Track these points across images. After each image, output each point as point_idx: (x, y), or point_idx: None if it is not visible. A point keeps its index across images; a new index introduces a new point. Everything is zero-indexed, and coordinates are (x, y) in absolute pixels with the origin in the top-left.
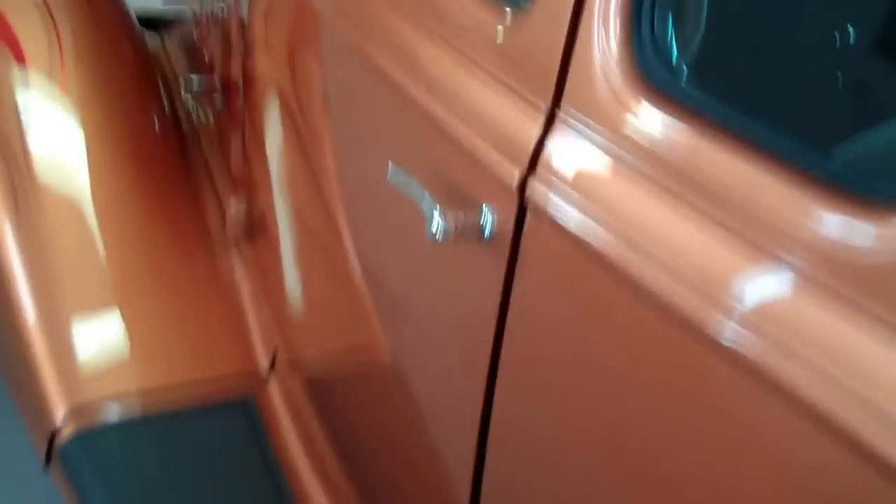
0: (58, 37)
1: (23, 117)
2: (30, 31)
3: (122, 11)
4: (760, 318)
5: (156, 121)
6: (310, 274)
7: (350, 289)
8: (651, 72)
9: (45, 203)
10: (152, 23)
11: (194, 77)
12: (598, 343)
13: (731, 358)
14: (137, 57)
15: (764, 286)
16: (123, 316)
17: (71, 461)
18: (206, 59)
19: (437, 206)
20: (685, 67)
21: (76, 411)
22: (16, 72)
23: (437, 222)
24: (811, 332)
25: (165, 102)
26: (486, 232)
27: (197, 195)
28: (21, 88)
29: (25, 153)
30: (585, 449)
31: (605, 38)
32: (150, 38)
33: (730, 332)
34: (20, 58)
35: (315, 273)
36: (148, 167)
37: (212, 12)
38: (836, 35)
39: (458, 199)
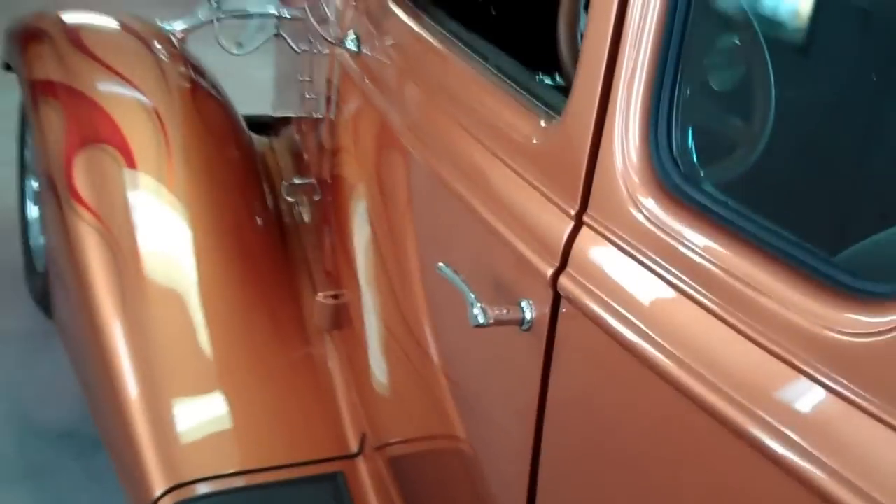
0: (166, 141)
1: (131, 214)
2: (139, 135)
3: (230, 117)
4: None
5: (258, 217)
6: (389, 364)
7: (425, 378)
8: (666, 179)
9: (150, 292)
10: (263, 126)
11: (295, 177)
12: (627, 427)
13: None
14: (243, 158)
15: (764, 377)
16: (222, 399)
17: None
18: (305, 160)
19: (475, 299)
20: (699, 176)
21: (174, 488)
22: (125, 173)
23: (475, 314)
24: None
25: (269, 200)
26: (525, 322)
27: (295, 286)
28: (130, 188)
29: (133, 247)
30: None
31: (626, 148)
32: (259, 141)
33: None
34: (130, 160)
35: (393, 363)
36: (249, 260)
37: (310, 116)
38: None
39: (503, 292)
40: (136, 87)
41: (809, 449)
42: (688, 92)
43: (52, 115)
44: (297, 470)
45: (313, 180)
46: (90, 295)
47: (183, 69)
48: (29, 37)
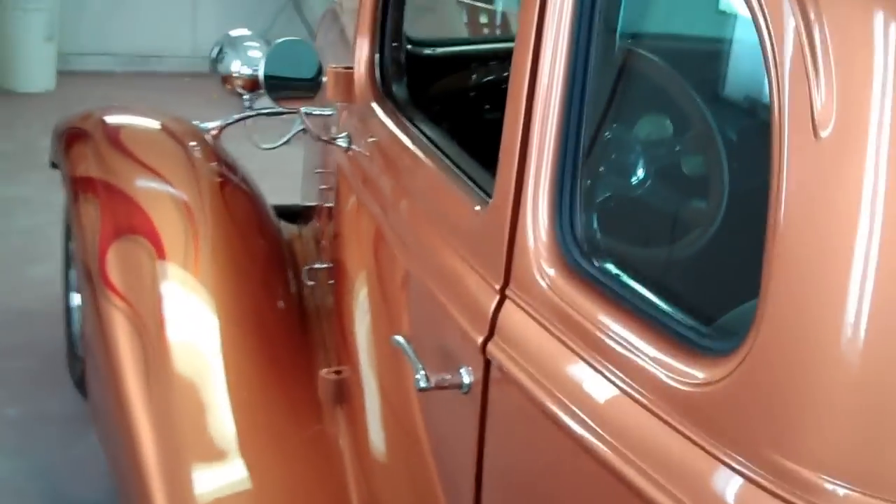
0: (194, 231)
1: (159, 301)
2: (169, 227)
3: (258, 208)
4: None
5: (280, 300)
6: (380, 435)
7: (407, 445)
8: (569, 257)
9: (174, 374)
10: (292, 214)
11: (315, 262)
12: (549, 483)
13: None
14: (268, 246)
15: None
16: (238, 476)
17: None
18: (322, 246)
19: (421, 367)
20: (596, 254)
21: None
22: (155, 262)
23: (418, 379)
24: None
25: (293, 284)
26: (464, 386)
27: (312, 365)
28: (159, 276)
29: (160, 331)
30: None
31: (537, 231)
32: (288, 228)
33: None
34: (160, 250)
35: (383, 434)
36: (270, 342)
37: (324, 205)
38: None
39: (448, 359)
40: (168, 182)
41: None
42: (587, 183)
43: (90, 209)
44: None
45: (327, 265)
46: (118, 375)
47: (214, 165)
48: (72, 137)
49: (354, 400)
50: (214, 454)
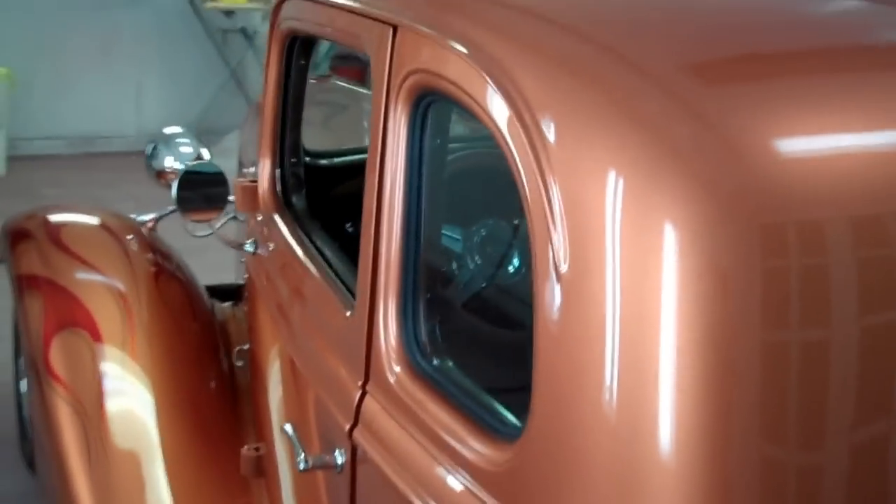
0: (130, 320)
1: (98, 386)
2: (106, 317)
3: (191, 292)
4: None
5: (213, 380)
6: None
7: None
8: (412, 358)
9: (113, 453)
10: (229, 293)
11: (245, 344)
12: None
13: None
14: (201, 328)
15: None
16: None
17: None
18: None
19: (301, 451)
20: (435, 355)
21: None
22: (94, 351)
23: (298, 461)
24: None
25: (225, 363)
26: (338, 466)
27: (241, 440)
28: (97, 364)
29: (99, 415)
30: None
31: (387, 336)
32: (223, 308)
33: None
34: (98, 339)
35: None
36: (202, 420)
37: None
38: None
39: (328, 443)
40: (105, 276)
41: None
42: (427, 295)
43: (34, 304)
44: None
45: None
46: (61, 457)
47: (149, 256)
48: (17, 236)
49: (270, 474)
50: None
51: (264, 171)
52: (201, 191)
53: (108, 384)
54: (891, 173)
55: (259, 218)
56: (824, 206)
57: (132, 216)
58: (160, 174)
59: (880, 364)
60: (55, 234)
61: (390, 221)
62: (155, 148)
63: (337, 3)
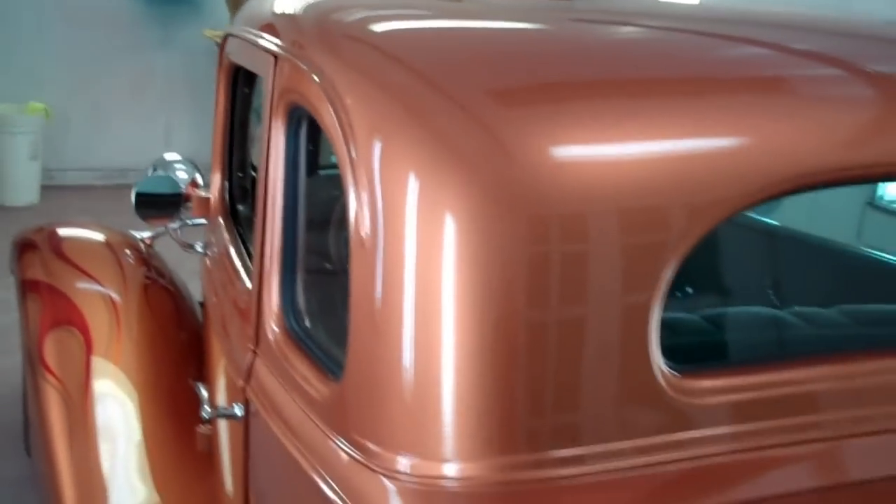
0: (118, 323)
1: (84, 378)
2: (97, 319)
3: (179, 304)
4: None
5: (190, 379)
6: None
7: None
8: (288, 325)
9: (92, 436)
10: None
11: None
12: (280, 480)
13: None
14: (186, 336)
15: None
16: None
17: None
18: None
19: (206, 403)
20: (298, 319)
21: None
22: (83, 348)
23: (202, 411)
24: None
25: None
26: (237, 417)
27: None
28: (85, 359)
29: (82, 402)
30: None
31: (270, 307)
32: None
33: None
34: (87, 338)
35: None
36: (177, 412)
37: None
38: None
39: (232, 398)
40: (99, 283)
41: None
42: (297, 273)
43: (34, 305)
44: None
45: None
46: (48, 437)
47: (143, 269)
48: (24, 247)
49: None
50: (119, 488)
51: (214, 183)
52: (157, 195)
53: (93, 376)
54: (641, 177)
55: (208, 223)
56: (585, 202)
57: (132, 233)
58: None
59: (623, 335)
60: (57, 246)
61: (273, 213)
62: (154, 170)
63: (245, 38)
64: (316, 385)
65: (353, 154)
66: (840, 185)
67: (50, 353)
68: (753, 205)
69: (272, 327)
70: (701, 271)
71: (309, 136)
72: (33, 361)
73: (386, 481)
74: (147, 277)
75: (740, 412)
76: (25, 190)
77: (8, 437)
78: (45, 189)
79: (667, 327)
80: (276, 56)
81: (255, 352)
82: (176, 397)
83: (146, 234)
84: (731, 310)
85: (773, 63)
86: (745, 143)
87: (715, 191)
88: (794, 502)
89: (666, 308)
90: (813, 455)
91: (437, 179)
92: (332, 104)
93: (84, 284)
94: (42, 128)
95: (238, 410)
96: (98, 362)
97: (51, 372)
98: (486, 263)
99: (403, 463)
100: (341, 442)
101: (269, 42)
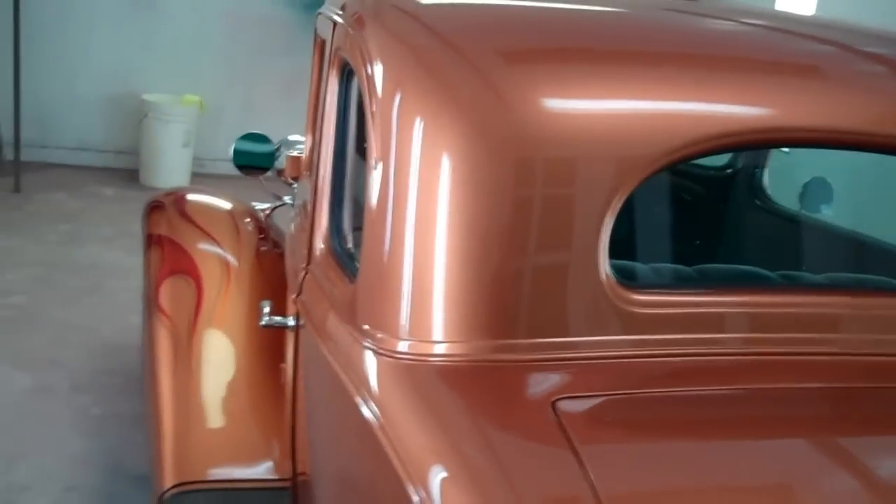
0: (228, 276)
1: (192, 318)
2: (209, 271)
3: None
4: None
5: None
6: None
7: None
8: (333, 250)
9: (194, 364)
10: None
11: None
12: (323, 392)
13: None
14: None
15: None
16: (226, 431)
17: None
18: None
19: (266, 313)
20: (342, 242)
21: (179, 484)
22: (193, 294)
23: (261, 318)
24: None
25: None
26: (290, 326)
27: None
28: (194, 303)
29: (188, 338)
30: None
31: (320, 234)
32: None
33: None
34: (199, 286)
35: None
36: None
37: None
38: None
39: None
40: (216, 242)
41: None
42: (342, 208)
43: (156, 255)
44: (264, 483)
45: None
46: (155, 366)
47: (259, 235)
48: (154, 207)
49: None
50: (211, 411)
51: (307, 144)
52: (254, 151)
53: (200, 320)
54: (621, 128)
55: (298, 181)
56: (562, 146)
57: (253, 204)
58: (280, 171)
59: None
60: (182, 207)
61: (325, 150)
62: (278, 149)
63: (325, 14)
64: (340, 287)
65: (374, 99)
66: (757, 147)
67: (165, 295)
68: (694, 156)
69: (320, 245)
70: (646, 217)
71: (354, 86)
72: (150, 303)
73: (386, 359)
74: (260, 242)
75: (669, 324)
76: (177, 175)
77: (131, 382)
78: (195, 176)
79: (617, 252)
80: (335, 22)
81: (306, 269)
82: (270, 345)
83: (265, 206)
84: (672, 245)
85: (712, 42)
86: (682, 107)
87: (659, 142)
88: (701, 402)
89: (619, 239)
90: (718, 366)
91: (440, 123)
92: (363, 57)
93: (202, 242)
94: (196, 119)
95: (291, 321)
96: (206, 309)
97: (163, 312)
98: (475, 190)
99: (402, 345)
100: (354, 332)
101: (334, 13)
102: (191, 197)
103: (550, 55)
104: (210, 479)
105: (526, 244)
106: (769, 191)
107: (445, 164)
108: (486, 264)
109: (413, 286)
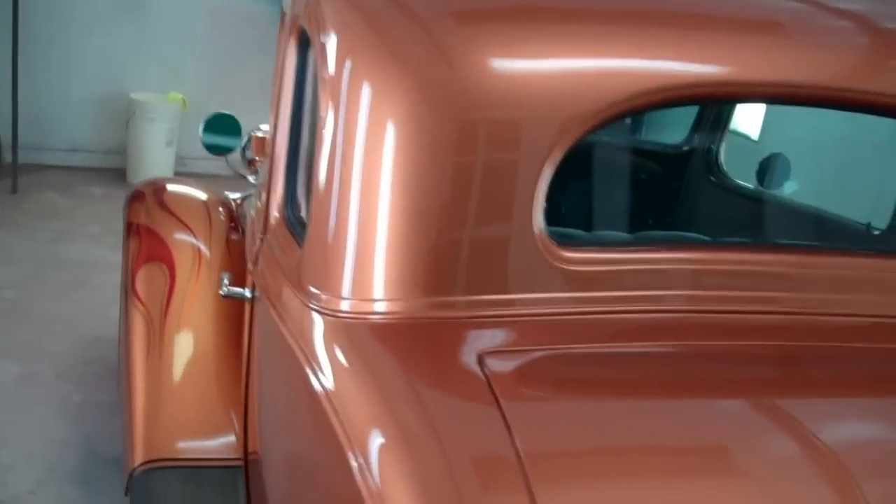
0: (199, 263)
1: (164, 304)
2: (182, 258)
3: None
4: None
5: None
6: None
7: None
8: (285, 217)
9: (165, 348)
10: None
11: None
12: (274, 361)
13: None
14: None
15: None
16: (193, 411)
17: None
18: None
19: (225, 285)
20: (294, 210)
21: (147, 461)
22: (167, 281)
23: (223, 289)
24: None
25: None
26: (247, 298)
27: None
28: (167, 290)
29: (161, 322)
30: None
31: (274, 203)
32: None
33: None
34: (172, 273)
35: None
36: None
37: None
38: None
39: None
40: (190, 230)
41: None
42: (294, 182)
43: (133, 243)
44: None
45: None
46: (130, 351)
47: (230, 224)
48: (135, 196)
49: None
50: (180, 391)
51: (271, 123)
52: (222, 133)
53: (172, 304)
54: (562, 85)
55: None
56: (513, 107)
57: (227, 193)
58: (250, 162)
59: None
60: (161, 198)
61: (282, 120)
62: (248, 141)
63: None
64: (289, 254)
65: (326, 63)
66: (697, 102)
67: (140, 282)
68: (626, 112)
69: (275, 214)
70: (602, 194)
71: (311, 55)
72: (127, 290)
73: (329, 319)
74: (232, 232)
75: (603, 281)
76: (159, 173)
77: (111, 371)
78: (178, 174)
79: (553, 213)
80: None
81: (262, 239)
82: (236, 324)
83: (237, 195)
84: (626, 219)
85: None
86: (615, 64)
87: (596, 99)
88: (636, 360)
89: (557, 200)
90: (656, 324)
91: (385, 85)
92: (317, 22)
93: (177, 230)
94: (179, 117)
95: (247, 292)
96: (178, 294)
97: (139, 298)
98: (419, 151)
99: (344, 304)
100: (300, 295)
101: None
102: (170, 187)
103: (497, 15)
104: (178, 456)
105: (465, 203)
106: (725, 167)
107: (391, 126)
108: (426, 222)
109: (357, 246)
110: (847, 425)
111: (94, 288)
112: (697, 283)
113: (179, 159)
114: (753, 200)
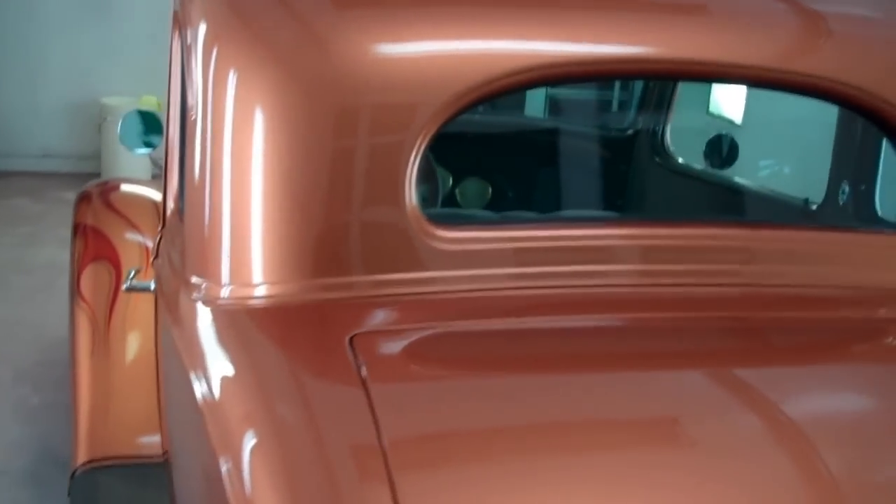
0: (146, 261)
1: (108, 305)
2: (128, 257)
3: None
4: None
5: None
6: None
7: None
8: (177, 202)
9: (111, 346)
10: None
11: None
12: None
13: None
14: None
15: None
16: (135, 410)
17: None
18: None
19: (129, 278)
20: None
21: (89, 461)
22: (112, 276)
23: (126, 283)
24: None
25: None
26: (152, 290)
27: None
28: (112, 290)
29: (105, 322)
30: None
31: (171, 197)
32: None
33: None
34: (118, 272)
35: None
36: None
37: None
38: None
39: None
40: (137, 229)
41: None
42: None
43: (80, 244)
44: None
45: None
46: (76, 350)
47: None
48: (83, 197)
49: None
50: (122, 390)
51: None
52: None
53: (117, 305)
54: (435, 67)
55: None
56: (385, 89)
57: None
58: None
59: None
60: (108, 198)
61: (173, 111)
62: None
63: None
64: (178, 245)
65: (195, 52)
66: (574, 80)
67: (86, 282)
68: (499, 91)
69: (170, 205)
70: (544, 177)
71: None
72: (73, 290)
73: (210, 307)
74: None
75: (481, 259)
76: (134, 176)
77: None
78: (155, 179)
79: (428, 194)
80: None
81: (161, 231)
82: None
83: None
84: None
85: None
86: (490, 44)
87: (466, 78)
88: (513, 338)
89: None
90: (538, 301)
91: (256, 73)
92: (186, 12)
93: (123, 229)
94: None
95: (152, 285)
96: (123, 293)
97: (83, 298)
98: (289, 136)
99: (224, 291)
100: (184, 286)
101: None
102: (118, 187)
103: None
104: (121, 454)
105: (340, 186)
106: (671, 149)
107: (259, 112)
108: (300, 205)
109: (232, 232)
110: (794, 395)
111: (60, 290)
112: (584, 259)
113: (155, 162)
114: (697, 181)
